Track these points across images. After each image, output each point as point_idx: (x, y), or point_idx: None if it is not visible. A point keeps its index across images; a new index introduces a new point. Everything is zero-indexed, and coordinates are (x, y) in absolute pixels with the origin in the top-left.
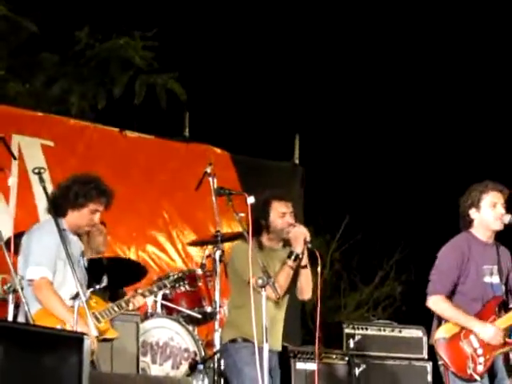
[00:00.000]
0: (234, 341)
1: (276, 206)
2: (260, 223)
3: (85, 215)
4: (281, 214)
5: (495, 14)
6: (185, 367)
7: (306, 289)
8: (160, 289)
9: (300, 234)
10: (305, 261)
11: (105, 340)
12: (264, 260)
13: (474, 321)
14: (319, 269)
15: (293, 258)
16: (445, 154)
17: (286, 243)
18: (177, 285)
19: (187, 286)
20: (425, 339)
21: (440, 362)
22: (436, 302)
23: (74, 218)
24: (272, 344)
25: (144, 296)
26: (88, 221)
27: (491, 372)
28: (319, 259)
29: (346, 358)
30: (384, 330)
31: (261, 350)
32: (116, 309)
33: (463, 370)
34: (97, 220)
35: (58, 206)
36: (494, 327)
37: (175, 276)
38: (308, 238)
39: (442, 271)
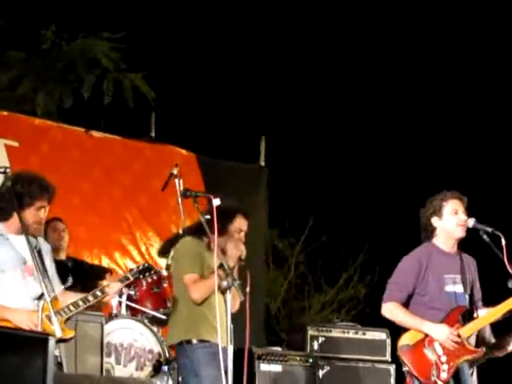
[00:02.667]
0: (189, 342)
1: (239, 221)
2: (216, 226)
3: (31, 214)
4: (239, 230)
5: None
6: (149, 368)
7: (233, 304)
8: (127, 279)
9: (235, 251)
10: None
11: (61, 341)
12: (209, 261)
13: (425, 322)
14: (248, 289)
15: (222, 268)
16: (408, 156)
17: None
18: (141, 276)
19: (154, 276)
20: (388, 341)
21: (405, 369)
22: (389, 309)
23: (20, 218)
24: (225, 341)
25: (126, 279)
26: (35, 218)
27: (457, 380)
28: (248, 279)
29: (310, 360)
30: (348, 332)
31: (218, 348)
32: (72, 308)
33: (427, 377)
34: (43, 216)
35: (2, 210)
36: (447, 327)
37: (140, 268)
38: (243, 256)
39: (397, 280)
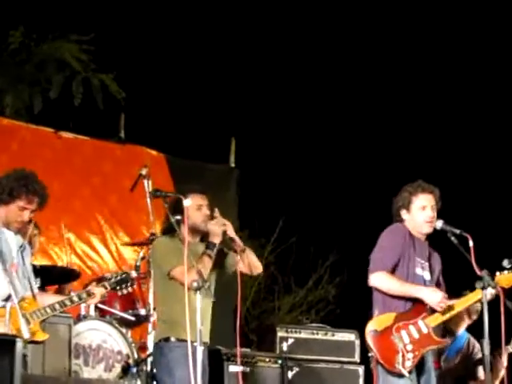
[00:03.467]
0: (167, 339)
1: (193, 199)
2: (174, 220)
3: (12, 211)
4: (197, 206)
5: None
6: (117, 370)
7: (253, 265)
8: (105, 288)
9: (218, 227)
10: (240, 246)
11: (33, 342)
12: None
13: (420, 288)
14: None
15: (210, 247)
16: (377, 156)
17: (205, 237)
18: (118, 287)
19: (129, 289)
20: (357, 343)
21: (370, 354)
22: (380, 278)
23: (2, 212)
24: (203, 337)
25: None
26: (16, 217)
27: (420, 369)
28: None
29: (279, 361)
30: (317, 334)
31: (195, 348)
32: (48, 310)
33: (392, 364)
34: (26, 218)
35: None
36: (441, 292)
37: (118, 278)
38: (230, 231)
39: (385, 248)
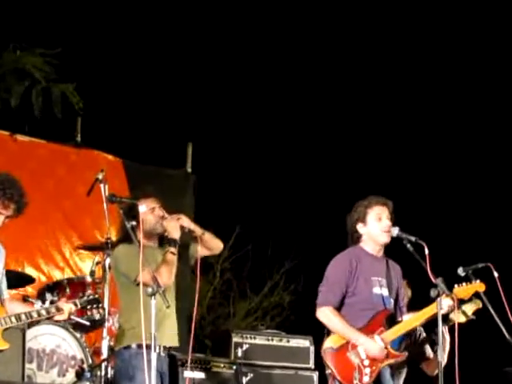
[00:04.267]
0: (128, 347)
1: (146, 202)
2: (129, 225)
3: None
4: (150, 209)
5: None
6: (71, 375)
7: (213, 245)
8: (75, 305)
9: (174, 222)
10: (198, 230)
11: None
12: (149, 257)
13: (360, 335)
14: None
15: (172, 244)
16: (333, 164)
17: (162, 240)
18: (88, 306)
19: (100, 310)
20: (312, 349)
21: (328, 372)
22: (325, 314)
23: None
24: (165, 341)
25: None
26: None
27: (378, 382)
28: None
29: (234, 367)
30: (272, 340)
31: (154, 354)
32: (13, 319)
33: (349, 381)
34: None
35: None
36: (379, 344)
37: (90, 297)
38: (186, 222)
39: (331, 282)
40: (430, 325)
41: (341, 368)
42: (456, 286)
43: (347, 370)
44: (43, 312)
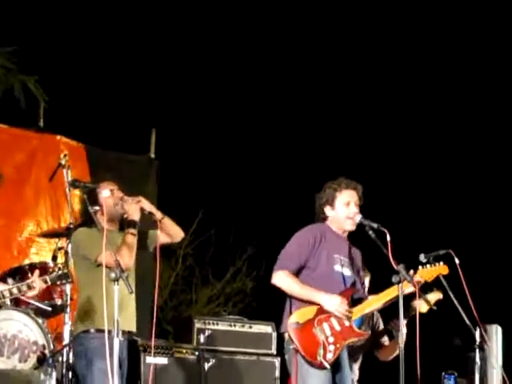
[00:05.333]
0: (86, 331)
1: (104, 186)
2: (92, 210)
3: None
4: (110, 191)
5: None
6: (33, 360)
7: (175, 232)
8: (46, 282)
9: (134, 205)
10: (158, 215)
11: None
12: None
13: (319, 293)
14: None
15: (132, 225)
16: (296, 149)
17: (123, 225)
18: (58, 282)
19: (69, 284)
20: (274, 335)
21: (291, 346)
22: (281, 277)
23: None
24: (124, 325)
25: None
26: None
27: (335, 365)
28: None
29: (196, 353)
30: (234, 326)
31: (114, 339)
32: None
33: (313, 356)
34: None
35: None
36: (339, 297)
37: (59, 272)
38: (145, 204)
39: (291, 250)
40: (388, 315)
41: (305, 343)
42: (420, 267)
43: (312, 345)
44: (15, 290)
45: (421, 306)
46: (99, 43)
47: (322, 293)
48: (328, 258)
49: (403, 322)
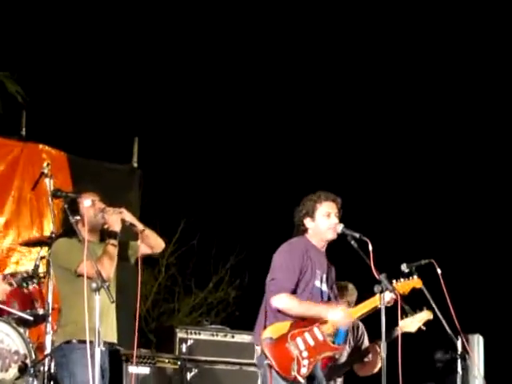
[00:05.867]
0: (68, 342)
1: (86, 197)
2: (73, 220)
3: None
4: (92, 202)
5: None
6: (14, 370)
7: (156, 243)
8: (11, 285)
9: (115, 215)
10: (139, 226)
11: None
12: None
13: (325, 308)
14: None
15: (113, 236)
16: (279, 159)
17: (103, 236)
18: (24, 284)
19: (36, 285)
20: None
21: (265, 362)
22: (284, 301)
23: None
24: (106, 335)
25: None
26: None
27: (311, 376)
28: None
29: (178, 363)
30: (217, 335)
31: (95, 350)
32: None
33: (287, 372)
34: None
35: None
36: (344, 312)
37: (24, 275)
38: (127, 216)
39: (286, 269)
40: (374, 333)
41: (279, 359)
42: (394, 281)
43: (286, 360)
44: None
45: (410, 326)
46: (81, 52)
47: (324, 306)
48: (312, 273)
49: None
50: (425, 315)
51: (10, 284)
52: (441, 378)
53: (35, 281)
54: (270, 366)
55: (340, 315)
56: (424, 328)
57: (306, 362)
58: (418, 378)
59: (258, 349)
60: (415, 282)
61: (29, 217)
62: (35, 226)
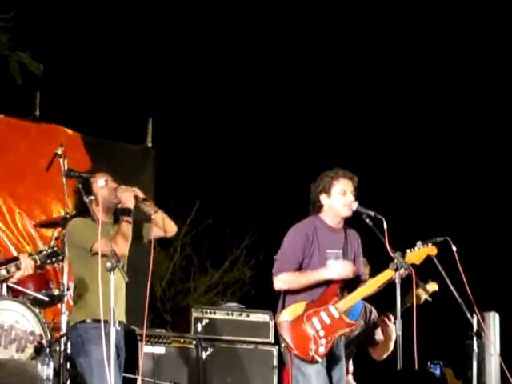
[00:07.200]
0: (83, 321)
1: (99, 177)
2: (88, 200)
3: None
4: (105, 181)
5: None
6: (30, 350)
7: (168, 226)
8: (35, 261)
9: (127, 193)
10: (152, 207)
11: None
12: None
13: (321, 270)
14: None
15: (126, 213)
16: (295, 138)
17: (118, 217)
18: (48, 260)
19: (60, 263)
20: (271, 323)
21: (283, 345)
22: (283, 279)
23: None
24: (118, 316)
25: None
26: None
27: (330, 357)
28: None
29: (194, 342)
30: (232, 314)
31: (110, 328)
32: None
33: (305, 352)
34: None
35: None
36: (338, 262)
37: (49, 251)
38: (140, 194)
39: (287, 251)
40: (382, 306)
41: (296, 340)
42: (408, 250)
43: (303, 341)
44: (3, 272)
45: (417, 298)
46: (95, 32)
47: (321, 270)
48: (320, 254)
49: (390, 322)
50: (430, 287)
51: (34, 260)
52: (457, 357)
53: (60, 258)
54: (288, 349)
55: (339, 267)
56: (430, 299)
57: (323, 341)
58: (432, 356)
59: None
60: (429, 249)
61: (51, 196)
62: (59, 204)
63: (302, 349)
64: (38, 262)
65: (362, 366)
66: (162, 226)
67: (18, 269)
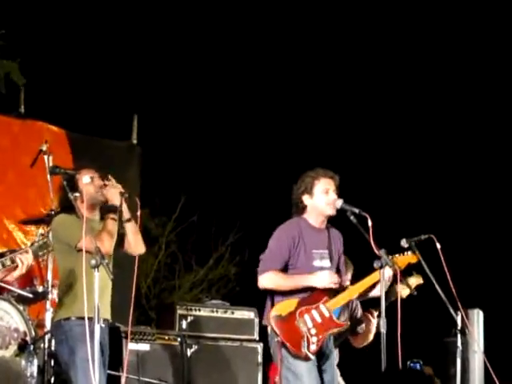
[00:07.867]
0: (67, 319)
1: (84, 173)
2: (72, 197)
3: None
4: (90, 178)
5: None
6: (14, 347)
7: (134, 242)
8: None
9: (113, 190)
10: (127, 214)
11: None
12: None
13: (307, 276)
14: (138, 213)
15: (112, 210)
16: (278, 135)
17: (104, 213)
18: (40, 252)
19: (50, 255)
20: (256, 321)
21: (275, 339)
22: (268, 278)
23: None
24: (103, 313)
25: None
26: None
27: (320, 352)
28: (138, 204)
29: (178, 339)
30: (217, 311)
31: (95, 326)
32: None
33: (298, 349)
34: None
35: None
36: (324, 271)
37: (40, 242)
38: (122, 190)
39: (273, 251)
40: (367, 302)
41: (289, 336)
42: (397, 255)
43: (295, 338)
44: (8, 262)
45: (402, 292)
46: (80, 28)
47: (306, 275)
48: (306, 255)
49: (371, 315)
50: (414, 280)
51: (27, 252)
52: (440, 354)
53: (50, 249)
54: (281, 344)
55: (325, 277)
56: (415, 293)
57: (314, 338)
58: (411, 355)
59: (269, 328)
60: (410, 257)
61: (33, 194)
62: (40, 202)
63: (294, 345)
64: (31, 255)
65: (347, 362)
66: (131, 237)
67: (13, 262)
